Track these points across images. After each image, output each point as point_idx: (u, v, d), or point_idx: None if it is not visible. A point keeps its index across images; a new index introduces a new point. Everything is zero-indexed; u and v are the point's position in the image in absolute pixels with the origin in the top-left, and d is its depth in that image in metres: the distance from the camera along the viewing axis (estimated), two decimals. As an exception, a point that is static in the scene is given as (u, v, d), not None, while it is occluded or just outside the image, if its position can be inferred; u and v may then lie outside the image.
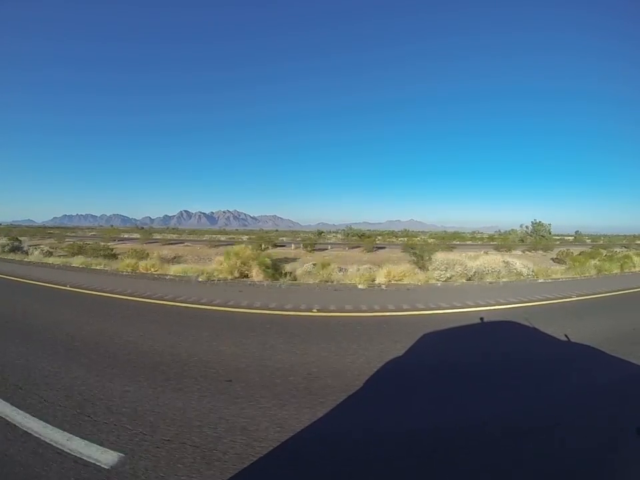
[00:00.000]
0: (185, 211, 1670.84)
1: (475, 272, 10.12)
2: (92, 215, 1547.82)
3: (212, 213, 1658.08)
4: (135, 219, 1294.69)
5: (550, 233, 38.77)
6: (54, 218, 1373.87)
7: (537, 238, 37.48)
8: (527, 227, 38.61)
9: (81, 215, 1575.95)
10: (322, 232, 48.31)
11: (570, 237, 55.49)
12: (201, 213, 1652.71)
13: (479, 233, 79.01)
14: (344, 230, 46.36)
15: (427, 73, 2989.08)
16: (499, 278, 10.09)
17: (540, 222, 39.34)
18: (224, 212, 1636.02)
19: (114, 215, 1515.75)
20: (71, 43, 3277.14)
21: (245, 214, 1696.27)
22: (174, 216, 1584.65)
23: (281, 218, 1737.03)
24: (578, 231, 62.09)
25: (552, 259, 21.79)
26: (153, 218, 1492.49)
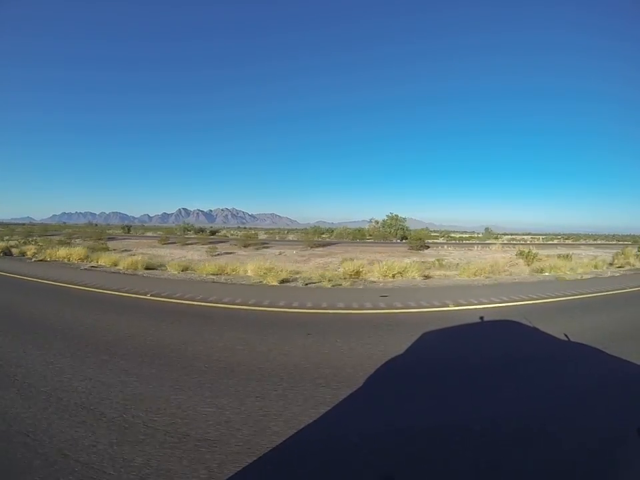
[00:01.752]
0: (184, 208, 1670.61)
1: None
2: (91, 213, 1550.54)
3: (210, 210, 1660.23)
4: (133, 217, 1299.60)
5: (404, 229, 40.68)
6: (53, 216, 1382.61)
7: (385, 232, 39.74)
8: (376, 222, 40.21)
9: (80, 212, 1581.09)
10: (127, 226, 57.96)
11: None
12: (199, 210, 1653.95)
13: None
14: None
15: (426, 72, 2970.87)
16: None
17: (395, 215, 41.31)
18: (222, 210, 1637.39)
19: (112, 212, 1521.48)
20: (68, 42, 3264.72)
21: (243, 212, 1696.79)
22: (172, 214, 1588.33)
23: (279, 216, 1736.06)
24: (488, 228, 64.29)
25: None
26: (151, 216, 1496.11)
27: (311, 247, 28.26)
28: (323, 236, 41.92)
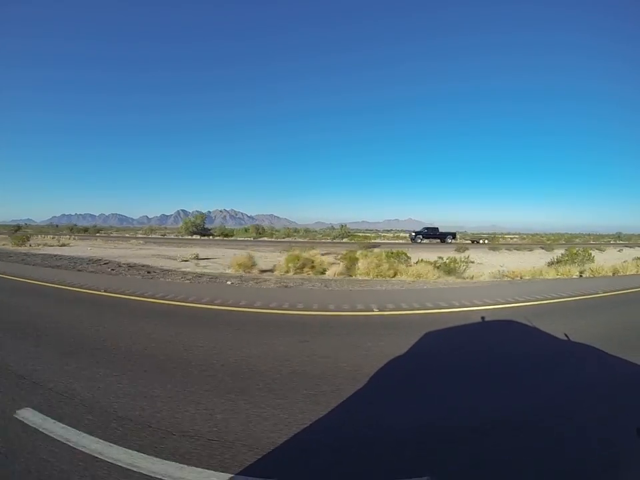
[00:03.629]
0: (182, 210, 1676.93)
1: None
2: (90, 214, 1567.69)
3: (209, 212, 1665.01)
4: (132, 218, 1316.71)
5: (197, 226, 49.37)
6: (53, 217, 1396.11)
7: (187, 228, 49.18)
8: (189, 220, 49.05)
9: (80, 214, 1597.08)
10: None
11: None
12: (197, 212, 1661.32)
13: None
14: None
15: (425, 73, 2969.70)
16: None
17: (202, 215, 47.22)
18: (221, 211, 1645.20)
19: (112, 214, 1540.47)
20: (69, 42, 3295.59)
21: (242, 213, 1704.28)
22: (171, 215, 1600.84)
23: (277, 217, 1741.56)
24: (343, 225, 72.58)
25: None
26: (150, 217, 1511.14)
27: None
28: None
